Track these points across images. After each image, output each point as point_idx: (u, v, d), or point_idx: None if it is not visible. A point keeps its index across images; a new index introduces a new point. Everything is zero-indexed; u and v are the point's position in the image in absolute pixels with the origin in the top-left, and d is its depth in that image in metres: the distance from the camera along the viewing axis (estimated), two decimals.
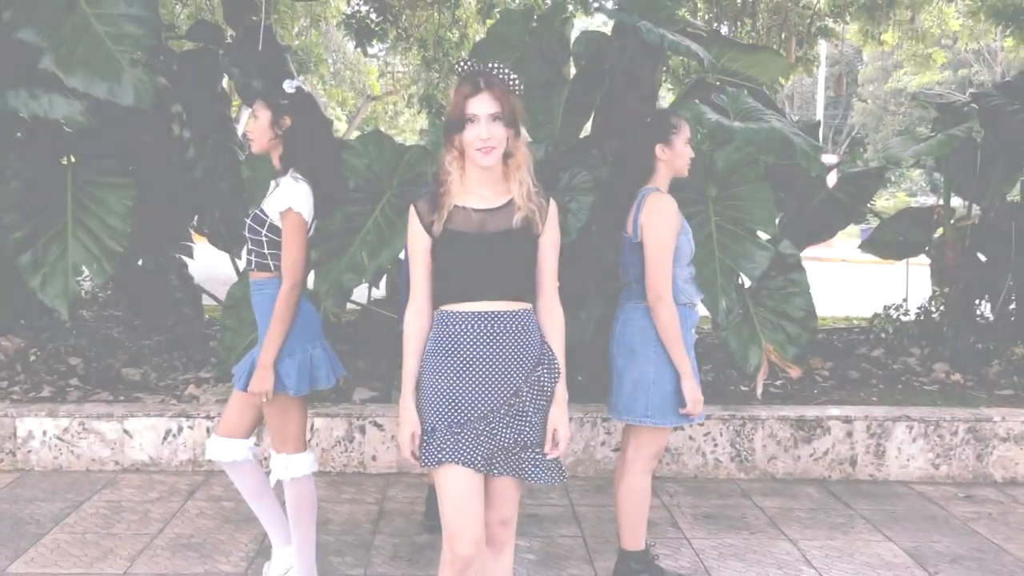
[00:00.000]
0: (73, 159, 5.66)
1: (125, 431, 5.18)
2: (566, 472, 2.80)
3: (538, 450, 2.69)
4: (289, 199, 3.27)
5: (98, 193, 5.48)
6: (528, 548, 4.23)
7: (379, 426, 5.22)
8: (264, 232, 3.33)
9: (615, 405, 3.61)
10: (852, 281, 17.14)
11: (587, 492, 5.04)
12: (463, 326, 2.65)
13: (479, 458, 2.61)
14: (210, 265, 8.22)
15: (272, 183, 3.42)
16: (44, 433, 5.16)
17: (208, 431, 5.17)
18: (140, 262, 6.30)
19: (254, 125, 3.37)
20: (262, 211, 3.36)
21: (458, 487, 2.63)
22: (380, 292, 7.09)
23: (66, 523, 4.38)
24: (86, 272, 5.47)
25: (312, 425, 5.20)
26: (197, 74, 6.01)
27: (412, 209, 2.73)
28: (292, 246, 3.27)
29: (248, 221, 3.38)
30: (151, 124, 5.70)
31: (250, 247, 3.39)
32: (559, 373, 2.74)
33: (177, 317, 6.26)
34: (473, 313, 2.66)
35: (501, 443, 2.62)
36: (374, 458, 5.23)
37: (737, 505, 4.88)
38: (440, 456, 2.63)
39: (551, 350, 2.74)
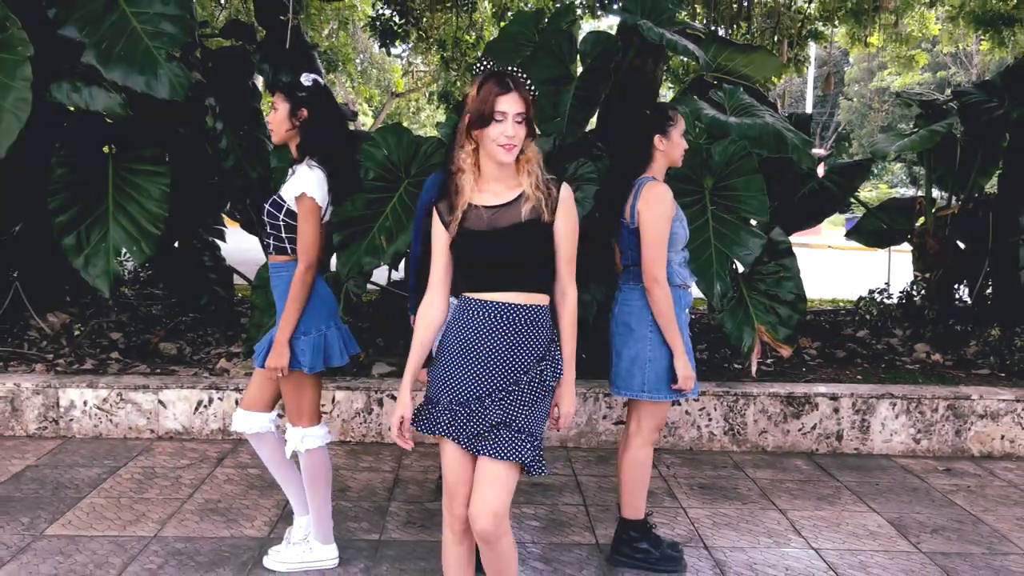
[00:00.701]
0: (114, 148, 5.54)
1: (160, 402, 5.08)
2: (546, 465, 2.63)
3: (522, 435, 2.48)
4: (303, 185, 3.15)
5: (137, 180, 5.38)
6: (533, 515, 4.11)
7: (396, 399, 5.08)
8: (281, 217, 3.21)
9: (614, 381, 3.49)
10: (838, 266, 16.96)
11: (589, 463, 4.91)
12: (477, 312, 2.54)
13: (465, 437, 2.51)
14: (242, 248, 8.11)
15: (289, 171, 3.29)
16: (85, 403, 5.06)
17: (236, 403, 5.06)
18: (176, 244, 6.18)
19: (273, 116, 3.25)
20: (279, 197, 3.24)
21: (451, 457, 2.57)
22: (399, 274, 6.96)
23: (103, 487, 4.28)
24: (126, 253, 5.37)
25: (333, 398, 5.09)
26: (230, 70, 5.87)
27: (434, 208, 2.63)
28: (306, 229, 3.15)
29: (267, 207, 3.25)
30: (186, 116, 5.58)
31: (268, 231, 3.27)
32: (561, 372, 2.60)
33: (210, 296, 6.14)
34: (487, 302, 2.54)
35: (489, 421, 2.48)
36: (391, 429, 5.09)
37: (730, 476, 4.74)
38: (434, 428, 2.56)
39: (558, 348, 2.60)
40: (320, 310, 3.26)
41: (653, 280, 3.30)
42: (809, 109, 29.00)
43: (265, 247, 3.31)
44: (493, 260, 2.56)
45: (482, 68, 2.59)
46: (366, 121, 24.88)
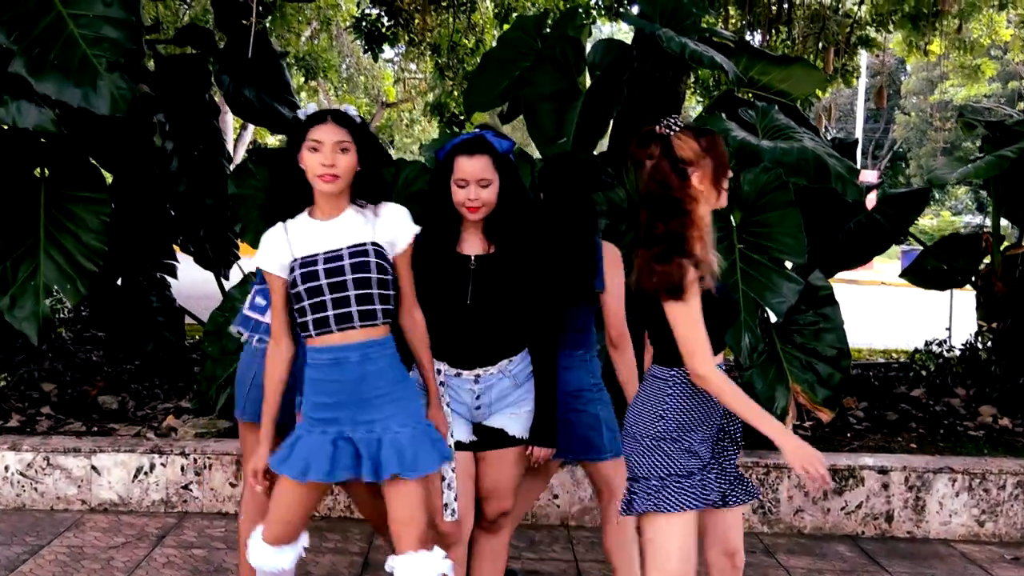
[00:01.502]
0: (47, 172, 5.49)
1: (93, 467, 4.98)
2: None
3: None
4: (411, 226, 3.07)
5: (73, 208, 5.31)
6: None
7: None
8: (391, 270, 3.00)
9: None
10: (891, 308, 16.82)
11: (594, 546, 4.79)
12: None
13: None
14: (196, 284, 8.04)
15: (354, 213, 2.99)
16: (6, 468, 4.96)
17: (183, 469, 4.97)
18: (119, 281, 6.12)
19: (344, 159, 2.90)
20: (379, 244, 2.96)
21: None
22: None
23: (21, 572, 4.16)
24: (59, 292, 5.31)
25: None
26: (183, 82, 5.84)
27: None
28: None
29: (372, 259, 2.94)
30: (131, 134, 5.54)
31: (370, 290, 2.93)
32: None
33: (157, 342, 6.06)
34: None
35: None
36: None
37: (760, 564, 4.61)
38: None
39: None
40: None
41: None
42: (859, 126, 29.00)
43: (343, 317, 2.90)
44: None
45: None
46: None
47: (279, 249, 2.97)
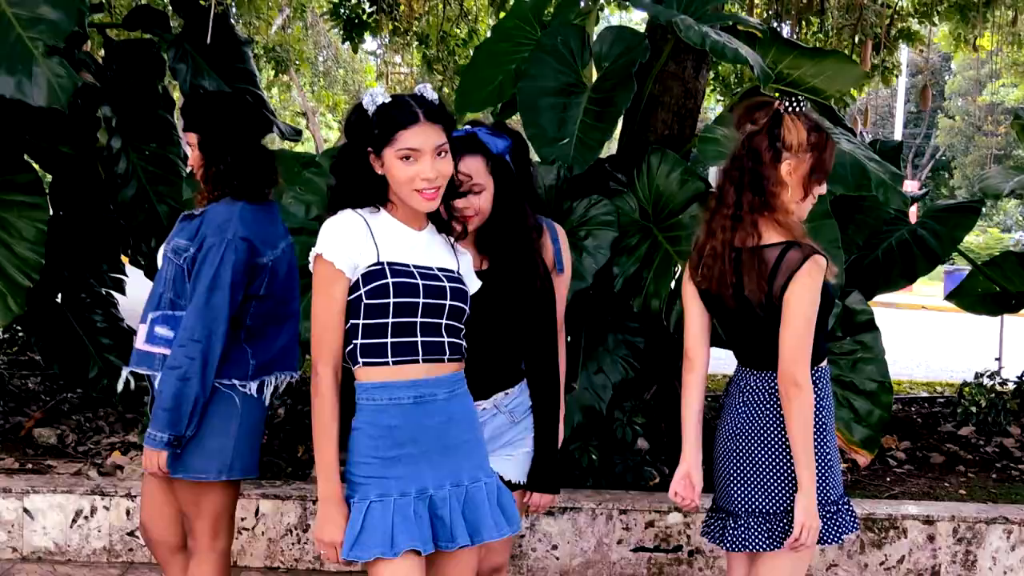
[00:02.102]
0: None
1: (26, 510, 4.86)
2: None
3: None
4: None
5: (5, 215, 5.21)
6: None
7: None
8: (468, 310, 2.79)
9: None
10: (933, 334, 16.74)
11: None
12: None
13: None
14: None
15: (434, 232, 2.79)
16: None
17: (128, 512, 4.86)
18: (59, 298, 6.02)
19: (445, 166, 2.64)
20: (450, 270, 2.75)
21: None
22: None
23: None
24: None
25: (257, 509, 4.88)
26: (133, 70, 5.75)
27: None
28: None
29: (462, 286, 2.74)
30: (72, 130, 5.44)
31: (456, 323, 2.72)
32: None
33: (102, 367, 5.96)
34: None
35: None
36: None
37: None
38: None
39: None
40: None
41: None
42: (899, 130, 28.98)
43: (433, 347, 2.65)
44: None
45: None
46: (330, 136, 24.93)
47: (359, 243, 2.56)
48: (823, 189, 2.99)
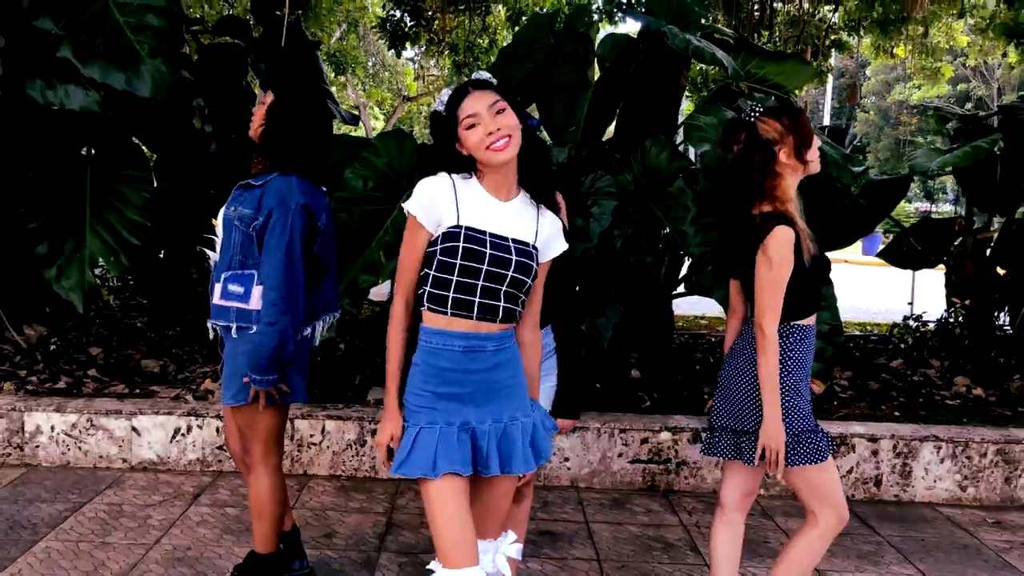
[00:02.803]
0: (93, 151, 5.10)
1: (134, 428, 4.62)
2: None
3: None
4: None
5: (117, 185, 4.93)
6: (541, 571, 3.63)
7: None
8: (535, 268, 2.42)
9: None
10: (856, 283, 16.40)
11: (603, 507, 4.43)
12: None
13: None
14: None
15: (522, 204, 2.42)
16: (52, 428, 4.60)
17: (218, 430, 4.61)
18: (161, 255, 5.74)
19: (506, 118, 2.29)
20: (536, 249, 2.40)
21: None
22: None
23: (62, 528, 3.82)
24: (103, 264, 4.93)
25: (323, 428, 4.62)
26: (222, 69, 5.42)
27: None
28: None
29: (529, 261, 2.36)
30: (172, 117, 5.13)
31: (516, 292, 2.37)
32: None
33: (196, 311, 5.69)
34: None
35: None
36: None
37: (758, 526, 4.26)
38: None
39: None
40: None
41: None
42: (826, 121, 28.50)
43: (488, 309, 2.32)
44: None
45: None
46: (376, 125, 24.46)
47: (444, 205, 2.30)
48: (815, 151, 2.74)
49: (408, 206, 2.33)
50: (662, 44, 5.02)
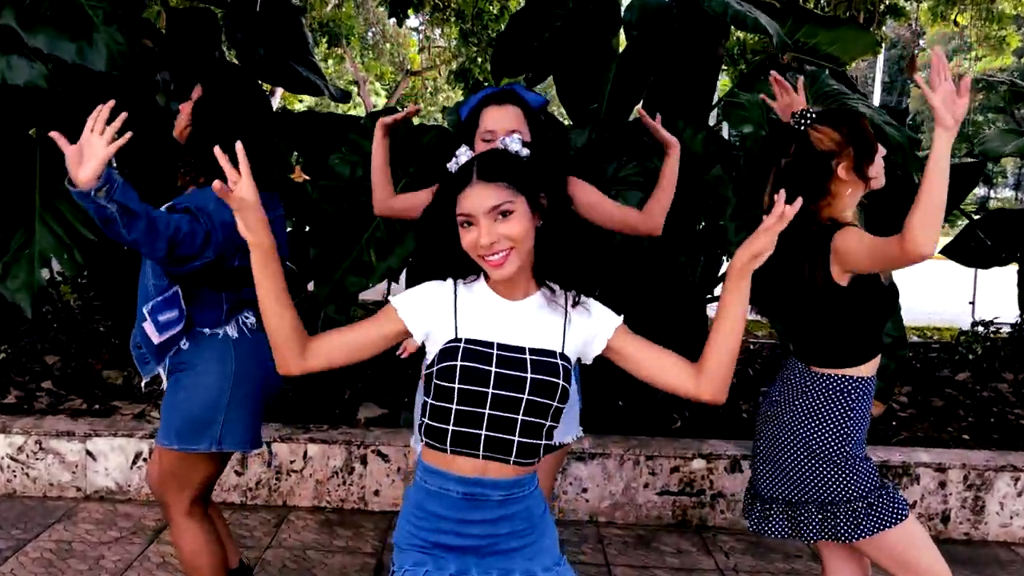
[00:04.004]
0: (42, 132, 4.88)
1: (89, 452, 4.41)
2: None
3: None
4: None
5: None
6: None
7: (384, 456, 4.40)
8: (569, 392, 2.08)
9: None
10: (907, 277, 16.05)
11: (626, 546, 4.19)
12: None
13: None
14: None
15: (543, 301, 2.05)
16: None
17: None
18: (125, 248, 5.52)
19: (509, 226, 1.96)
20: (566, 359, 2.03)
21: None
22: (399, 286, 6.29)
23: (0, 572, 3.61)
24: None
25: (305, 453, 4.40)
26: (191, 38, 5.18)
27: None
28: None
29: (550, 378, 1.98)
30: (132, 94, 4.90)
31: (537, 420, 1.99)
32: None
33: None
34: None
35: None
36: (377, 493, 4.41)
37: (808, 571, 4.01)
38: None
39: None
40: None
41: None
42: (877, 96, 28.12)
43: (498, 444, 1.97)
44: None
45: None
46: (378, 102, 24.27)
47: (440, 314, 1.98)
48: (879, 164, 2.51)
49: (395, 301, 2.01)
50: (697, 9, 4.77)
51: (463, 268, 2.00)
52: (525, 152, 1.99)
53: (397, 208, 3.06)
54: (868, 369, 2.53)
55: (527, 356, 1.94)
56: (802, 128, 2.49)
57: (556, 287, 2.01)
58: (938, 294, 11.99)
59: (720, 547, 4.21)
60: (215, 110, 2.76)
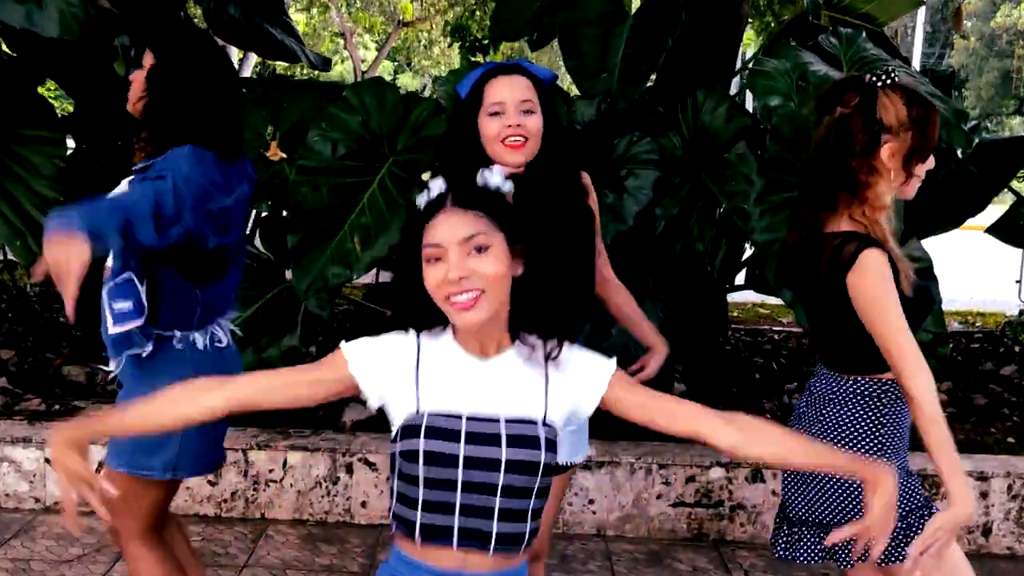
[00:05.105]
0: None
1: (47, 460, 4.39)
2: None
3: None
4: None
5: (20, 151, 4.67)
6: None
7: (371, 465, 4.39)
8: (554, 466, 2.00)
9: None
10: (946, 254, 16.00)
11: (637, 563, 4.19)
12: None
13: None
14: None
15: (517, 357, 1.92)
16: None
17: None
18: None
19: (483, 265, 1.83)
20: (550, 426, 1.93)
21: None
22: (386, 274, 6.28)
23: None
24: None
25: (284, 461, 4.39)
26: None
27: None
28: None
29: (531, 451, 1.86)
30: (88, 61, 4.86)
31: (519, 503, 1.89)
32: None
33: None
34: None
35: None
36: (364, 505, 4.41)
37: None
38: None
39: None
40: None
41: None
42: (917, 51, 27.96)
43: (475, 535, 1.84)
44: None
45: None
46: (366, 56, 24.16)
47: (398, 381, 1.84)
48: (928, 166, 2.45)
49: (347, 350, 1.86)
50: None
51: (427, 317, 1.88)
52: (508, 187, 1.89)
53: None
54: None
55: (501, 429, 1.80)
56: (877, 84, 2.42)
57: (534, 339, 1.88)
58: (983, 273, 11.96)
59: (739, 564, 4.22)
60: (172, 78, 2.67)
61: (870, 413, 2.48)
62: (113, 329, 2.65)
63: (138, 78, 2.74)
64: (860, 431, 2.49)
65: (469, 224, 1.78)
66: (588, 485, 4.41)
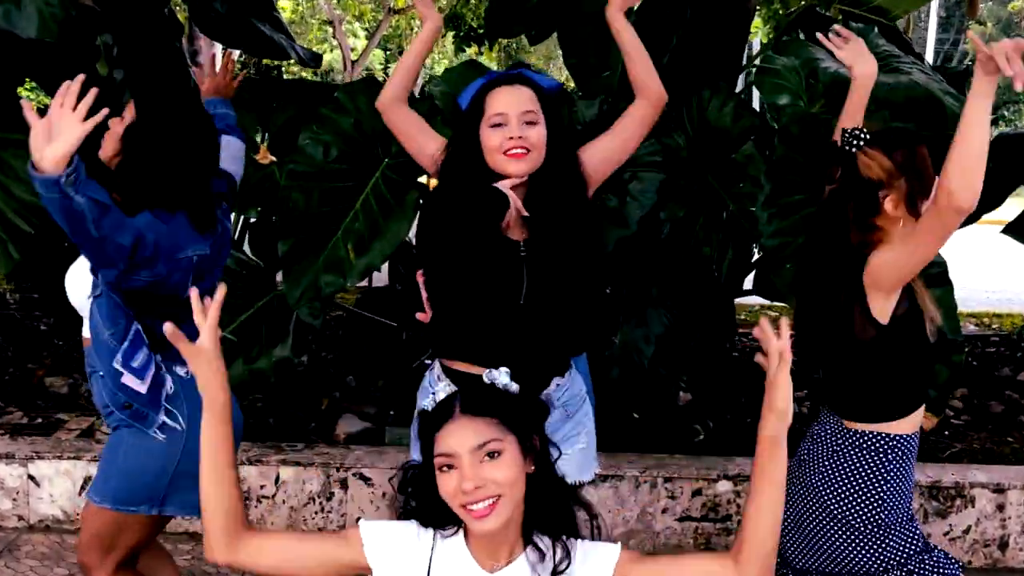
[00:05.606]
0: None
1: (31, 477, 4.42)
2: None
3: None
4: None
5: (1, 154, 4.68)
6: None
7: (366, 480, 4.42)
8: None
9: None
10: (959, 250, 16.03)
11: None
12: None
13: None
14: None
15: (527, 565, 2.04)
16: None
17: None
18: (66, 243, 5.52)
19: (493, 470, 2.04)
20: None
21: None
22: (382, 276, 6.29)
23: None
24: None
25: (277, 476, 4.42)
26: None
27: None
28: None
29: None
30: (69, 61, 4.87)
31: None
32: None
33: None
34: None
35: None
36: (359, 521, 4.43)
37: None
38: None
39: None
40: None
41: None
42: (931, 37, 27.99)
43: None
44: None
45: None
46: (356, 44, 24.15)
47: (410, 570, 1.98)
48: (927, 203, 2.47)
49: (364, 530, 2.03)
50: None
51: (442, 516, 1.95)
52: (515, 387, 1.96)
53: (399, 116, 2.95)
54: (909, 425, 2.53)
55: None
56: (850, 150, 2.45)
57: (544, 544, 1.94)
58: (999, 268, 12.00)
59: None
60: (151, 138, 2.69)
61: (873, 469, 2.50)
62: (146, 385, 2.67)
63: (115, 129, 2.74)
64: (862, 486, 2.51)
65: (480, 431, 1.87)
66: (592, 499, 4.42)
